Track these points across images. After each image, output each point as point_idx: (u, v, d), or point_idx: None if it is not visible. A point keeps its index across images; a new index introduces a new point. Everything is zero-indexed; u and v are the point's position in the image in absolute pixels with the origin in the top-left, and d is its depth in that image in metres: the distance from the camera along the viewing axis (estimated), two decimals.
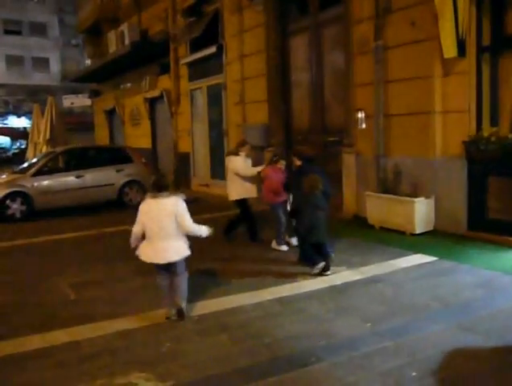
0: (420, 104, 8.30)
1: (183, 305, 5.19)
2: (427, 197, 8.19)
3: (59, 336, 4.87)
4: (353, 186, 9.69)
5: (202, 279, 6.32)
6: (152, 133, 18.71)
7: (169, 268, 5.17)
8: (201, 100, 15.00)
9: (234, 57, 12.90)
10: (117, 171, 13.00)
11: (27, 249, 8.97)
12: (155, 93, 17.51)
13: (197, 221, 5.24)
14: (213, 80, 14.17)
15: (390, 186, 8.85)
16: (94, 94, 23.91)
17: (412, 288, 5.80)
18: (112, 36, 19.41)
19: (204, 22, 13.68)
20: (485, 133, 7.44)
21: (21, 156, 21.78)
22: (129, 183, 12.98)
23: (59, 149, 13.61)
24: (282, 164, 7.91)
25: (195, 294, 5.63)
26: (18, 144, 38.46)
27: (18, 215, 12.01)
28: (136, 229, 5.25)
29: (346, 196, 9.82)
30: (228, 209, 9.65)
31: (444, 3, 7.58)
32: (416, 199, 8.12)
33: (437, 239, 7.84)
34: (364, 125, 9.37)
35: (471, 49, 7.69)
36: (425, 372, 3.81)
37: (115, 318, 5.23)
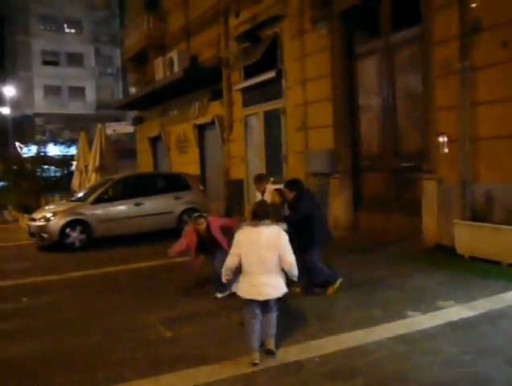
0: None
1: (273, 344, 4.77)
2: None
3: (172, 381, 4.46)
4: (433, 213, 9.19)
5: (301, 314, 5.89)
6: (201, 160, 18.46)
7: (264, 305, 4.79)
8: (257, 125, 14.72)
9: (295, 82, 12.62)
10: (176, 199, 12.74)
11: (98, 280, 8.67)
12: (205, 120, 17.32)
13: None
14: (271, 106, 13.89)
15: (479, 213, 8.35)
16: (137, 121, 23.87)
17: None
18: (159, 63, 19.36)
19: (262, 48, 13.45)
20: None
21: (59, 184, 21.73)
22: (187, 211, 12.65)
23: (117, 176, 13.41)
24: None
25: (297, 332, 5.21)
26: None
27: (77, 243, 11.80)
28: (231, 261, 4.90)
29: (426, 224, 9.32)
30: None
31: None
32: None
33: None
34: (446, 150, 8.92)
35: None
36: None
37: (226, 359, 4.79)
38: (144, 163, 23.43)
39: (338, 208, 11.36)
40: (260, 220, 4.83)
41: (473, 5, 8.31)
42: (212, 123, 16.86)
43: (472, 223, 8.29)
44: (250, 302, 4.80)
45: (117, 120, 33.60)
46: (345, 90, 11.36)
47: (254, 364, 4.55)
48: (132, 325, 6.09)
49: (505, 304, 6.01)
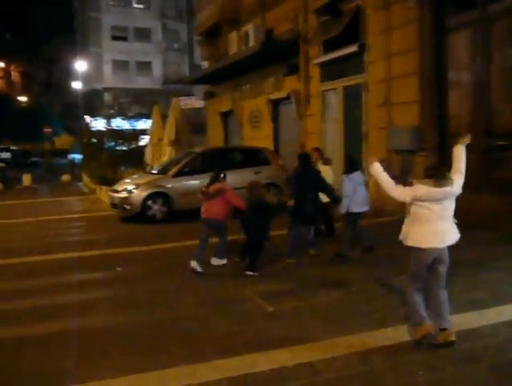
0: None
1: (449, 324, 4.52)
2: None
3: (285, 358, 4.44)
4: None
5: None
6: (274, 135, 18.38)
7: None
8: (335, 101, 14.47)
9: (379, 56, 12.27)
10: (256, 173, 12.74)
11: (186, 252, 8.79)
12: (281, 94, 17.18)
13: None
14: (351, 81, 13.60)
15: None
16: (208, 96, 23.99)
17: None
18: (233, 37, 19.31)
19: (344, 21, 13.14)
20: None
21: (130, 157, 22.19)
22: (267, 186, 12.61)
23: (198, 149, 13.56)
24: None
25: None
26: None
27: (158, 215, 12.03)
28: None
29: None
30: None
31: None
32: None
33: None
34: None
35: None
36: None
37: (337, 335, 4.76)
38: (215, 138, 23.58)
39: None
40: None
41: None
42: (288, 98, 16.70)
43: None
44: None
45: (183, 95, 33.95)
46: (434, 65, 10.93)
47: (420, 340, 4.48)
48: (230, 297, 6.15)
49: None
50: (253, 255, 7.18)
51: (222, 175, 7.94)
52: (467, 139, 4.86)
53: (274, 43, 16.52)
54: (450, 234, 4.55)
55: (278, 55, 16.57)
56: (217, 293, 6.43)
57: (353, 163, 7.84)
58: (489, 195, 9.80)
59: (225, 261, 7.73)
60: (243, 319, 5.37)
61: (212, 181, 7.67)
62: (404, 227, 4.64)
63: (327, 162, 9.94)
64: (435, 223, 4.47)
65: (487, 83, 9.94)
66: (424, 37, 10.95)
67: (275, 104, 18.17)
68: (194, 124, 28.54)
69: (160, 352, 4.67)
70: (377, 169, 4.88)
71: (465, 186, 10.03)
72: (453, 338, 4.43)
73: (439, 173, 4.50)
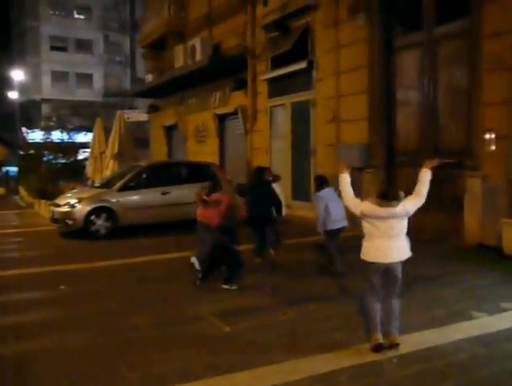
0: None
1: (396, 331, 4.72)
2: None
3: (247, 382, 4.22)
4: (477, 212, 8.98)
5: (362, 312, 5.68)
6: (220, 151, 18.22)
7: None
8: (284, 117, 14.47)
9: (328, 73, 12.37)
10: (203, 189, 12.44)
11: (132, 270, 8.44)
12: (227, 109, 17.08)
13: None
14: (300, 97, 13.65)
15: None
16: (152, 109, 23.61)
17: None
18: (179, 51, 19.10)
19: (293, 37, 13.21)
20: None
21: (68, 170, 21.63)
22: None
23: (144, 163, 13.19)
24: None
25: (365, 331, 5.00)
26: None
27: (102, 231, 11.58)
28: None
29: (468, 223, 9.11)
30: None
31: None
32: None
33: None
34: (493, 147, 8.70)
35: None
36: None
37: (298, 356, 4.57)
38: (158, 152, 23.18)
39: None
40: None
41: None
42: (235, 113, 16.62)
43: None
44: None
45: (126, 108, 33.30)
46: (383, 83, 11.11)
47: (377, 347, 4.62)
48: (186, 317, 5.87)
49: None
50: (231, 268, 7.14)
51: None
52: (433, 163, 5.08)
53: (222, 57, 16.43)
54: (396, 251, 4.68)
55: (226, 69, 16.50)
56: (170, 312, 6.13)
57: (321, 181, 7.75)
58: (435, 211, 9.95)
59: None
60: (199, 341, 5.11)
61: (211, 191, 7.91)
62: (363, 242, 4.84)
63: (275, 179, 9.87)
64: (379, 239, 4.67)
65: (434, 102, 10.16)
66: (373, 56, 11.12)
67: (222, 119, 18.04)
68: (136, 138, 28.02)
69: (114, 378, 4.35)
70: (344, 179, 4.97)
71: None
72: (398, 341, 4.64)
73: (388, 193, 4.66)
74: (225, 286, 7.01)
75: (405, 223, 4.75)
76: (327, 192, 7.54)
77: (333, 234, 7.54)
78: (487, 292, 6.47)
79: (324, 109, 12.53)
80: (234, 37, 16.48)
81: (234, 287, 6.99)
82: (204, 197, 7.93)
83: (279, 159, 14.57)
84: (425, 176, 4.93)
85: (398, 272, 4.72)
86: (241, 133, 16.50)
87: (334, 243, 7.62)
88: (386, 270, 4.69)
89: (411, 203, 4.75)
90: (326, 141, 12.53)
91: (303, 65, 13.06)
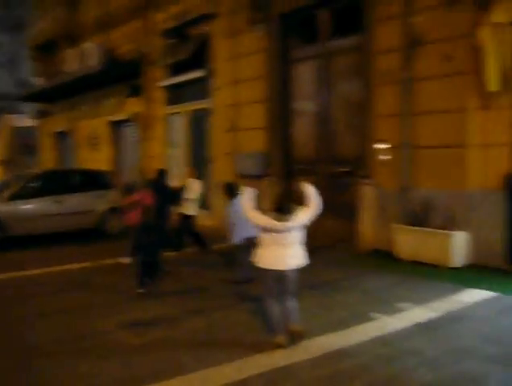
0: (454, 137, 8.24)
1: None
2: (464, 230, 8.09)
3: None
4: (370, 218, 9.45)
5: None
6: (115, 158, 17.71)
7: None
8: (181, 125, 14.39)
9: (226, 82, 12.48)
10: (98, 197, 12.08)
11: (36, 282, 7.97)
12: (122, 116, 16.66)
13: None
14: (198, 105, 13.65)
15: (417, 218, 8.68)
16: (41, 115, 22.47)
17: (507, 324, 5.57)
18: (71, 54, 18.37)
19: (191, 45, 13.20)
20: None
21: None
22: (109, 210, 12.05)
23: (36, 171, 12.51)
24: None
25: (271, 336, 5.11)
26: None
27: None
28: None
29: (362, 229, 9.56)
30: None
31: (488, 38, 7.63)
32: (453, 232, 8.01)
33: (480, 273, 7.73)
34: (385, 157, 9.21)
35: (511, 84, 7.75)
36: None
37: (210, 365, 4.55)
38: (48, 159, 22.08)
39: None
40: None
41: (416, 20, 8.65)
42: (129, 120, 16.25)
43: (411, 227, 8.61)
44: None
45: (10, 112, 31.44)
46: (280, 93, 11.41)
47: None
48: (89, 331, 5.63)
49: (461, 306, 6.25)
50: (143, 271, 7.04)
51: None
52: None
53: (116, 62, 16.07)
54: (291, 259, 4.94)
55: (121, 75, 16.09)
56: (72, 325, 5.85)
57: (231, 188, 7.72)
58: (332, 218, 10.33)
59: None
60: (107, 354, 4.92)
61: (128, 193, 8.27)
62: (257, 250, 5.07)
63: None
64: (276, 248, 4.90)
65: (329, 113, 10.58)
66: (271, 66, 11.39)
67: (116, 126, 17.57)
68: (25, 144, 26.58)
69: None
70: (248, 193, 5.30)
71: None
72: (301, 328, 5.00)
73: (283, 208, 4.92)
74: (139, 290, 6.93)
75: (301, 233, 5.03)
76: (239, 200, 7.53)
77: (245, 242, 7.54)
78: (384, 294, 6.82)
79: (222, 118, 12.62)
80: (130, 42, 16.15)
81: (140, 290, 6.89)
82: (128, 200, 8.20)
83: (178, 168, 14.43)
84: (309, 190, 5.12)
85: (294, 276, 5.00)
86: (136, 141, 16.16)
87: (244, 250, 7.65)
88: (283, 276, 4.94)
89: (306, 215, 5.00)
90: (224, 149, 12.61)
91: (201, 73, 13.09)
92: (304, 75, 11.13)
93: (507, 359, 4.61)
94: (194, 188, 9.78)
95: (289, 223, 4.88)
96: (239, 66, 12.13)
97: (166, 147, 14.98)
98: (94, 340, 5.32)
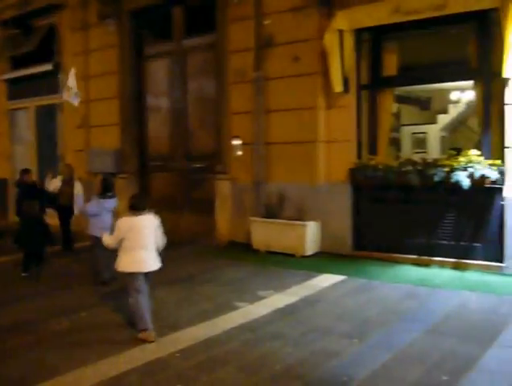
0: (303, 134, 8.82)
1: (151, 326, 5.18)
2: (315, 220, 8.70)
3: None
4: (227, 212, 9.78)
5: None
6: None
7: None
8: (27, 121, 13.61)
9: (76, 77, 12.00)
10: None
11: None
12: None
13: None
14: (46, 100, 13.01)
15: (272, 211, 9.16)
16: None
17: (354, 303, 6.16)
18: None
19: (37, 37, 12.55)
20: (370, 162, 8.27)
21: None
22: None
23: None
24: None
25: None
26: None
27: None
28: None
29: (220, 223, 9.86)
30: None
31: (332, 44, 8.29)
32: (306, 223, 8.58)
33: (331, 259, 8.39)
34: (240, 152, 9.58)
35: (353, 86, 8.50)
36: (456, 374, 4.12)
37: (83, 364, 4.48)
38: None
39: (124, 209, 11.22)
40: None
41: (266, 22, 9.11)
42: None
43: (266, 219, 9.07)
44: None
45: None
46: (134, 90, 11.31)
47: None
48: None
49: (315, 290, 6.78)
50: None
51: None
52: None
53: None
54: (151, 261, 5.23)
55: None
56: None
57: (106, 188, 7.45)
58: (189, 213, 10.54)
59: None
60: None
61: None
62: (118, 257, 5.25)
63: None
64: (135, 251, 5.14)
65: (185, 110, 10.72)
66: (124, 62, 11.25)
67: None
68: None
69: None
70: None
71: (170, 207, 10.58)
72: (153, 339, 5.00)
73: (138, 206, 5.26)
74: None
75: (156, 234, 5.30)
76: (108, 202, 7.37)
77: (94, 241, 7.38)
78: (245, 284, 7.14)
79: (73, 114, 12.13)
80: None
81: (24, 274, 7.55)
82: None
83: (25, 165, 13.61)
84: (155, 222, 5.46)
85: (152, 275, 5.35)
86: None
87: (103, 249, 7.50)
88: (145, 276, 5.24)
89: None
90: (75, 146, 12.18)
91: (48, 67, 12.50)
92: (159, 72, 11.15)
93: (359, 334, 5.13)
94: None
95: (144, 219, 5.21)
96: (90, 61, 11.79)
97: (11, 144, 14.08)
98: None
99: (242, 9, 9.35)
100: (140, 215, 5.20)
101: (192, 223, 10.42)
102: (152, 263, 5.22)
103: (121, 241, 5.20)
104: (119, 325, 5.53)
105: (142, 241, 5.15)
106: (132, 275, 5.17)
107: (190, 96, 10.67)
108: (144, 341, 4.94)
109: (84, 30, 11.81)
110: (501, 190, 7.23)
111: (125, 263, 5.18)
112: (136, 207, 5.23)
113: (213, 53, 10.04)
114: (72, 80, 10.43)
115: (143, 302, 5.14)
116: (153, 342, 4.93)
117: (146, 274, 5.25)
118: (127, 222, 5.21)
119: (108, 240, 5.44)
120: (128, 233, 5.14)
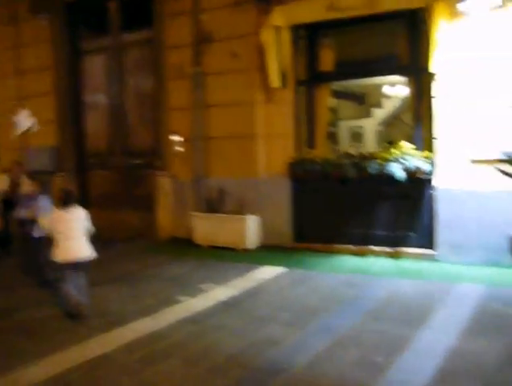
0: (242, 128, 8.93)
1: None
2: (255, 214, 8.82)
3: None
4: (168, 208, 9.77)
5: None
6: None
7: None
8: None
9: (8, 73, 11.70)
10: None
11: None
12: None
13: None
14: None
15: (213, 206, 9.21)
16: None
17: (295, 293, 6.32)
18: None
19: None
20: (308, 155, 8.46)
21: None
22: None
23: None
24: None
25: (82, 326, 5.22)
26: None
27: None
28: None
29: (161, 219, 9.83)
30: None
31: (269, 40, 8.42)
32: (247, 217, 8.69)
33: (272, 252, 8.53)
34: (180, 148, 9.58)
35: (290, 81, 8.66)
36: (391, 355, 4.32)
37: (26, 365, 4.42)
38: None
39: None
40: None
41: (204, 17, 9.15)
42: None
43: (207, 214, 9.12)
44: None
45: None
46: (70, 86, 11.09)
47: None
48: None
49: (256, 282, 6.89)
50: None
51: None
52: None
53: None
54: (82, 250, 5.56)
55: None
56: None
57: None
58: (130, 210, 10.45)
59: None
60: None
61: None
62: (52, 248, 5.56)
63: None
64: (66, 241, 5.47)
65: (123, 106, 10.62)
66: (58, 57, 11.01)
67: None
68: None
69: None
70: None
71: (110, 204, 10.46)
72: (87, 312, 5.50)
73: (66, 199, 5.62)
74: None
75: (85, 224, 5.67)
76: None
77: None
78: (187, 278, 7.18)
79: (6, 111, 11.77)
80: None
81: None
82: None
83: None
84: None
85: (87, 263, 5.60)
86: None
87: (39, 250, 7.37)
88: (76, 265, 5.53)
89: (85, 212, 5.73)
90: (11, 145, 11.79)
91: None
92: (96, 67, 10.98)
93: (298, 322, 5.28)
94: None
95: (73, 212, 5.58)
96: (23, 56, 11.47)
97: None
98: None
99: (180, 4, 9.36)
100: (68, 208, 5.56)
101: (134, 220, 10.33)
102: (84, 251, 5.54)
103: (53, 233, 5.54)
104: (62, 323, 5.46)
105: (70, 232, 5.49)
106: (64, 265, 5.47)
107: (128, 92, 10.57)
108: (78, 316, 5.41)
109: (15, 24, 11.47)
110: (431, 180, 7.57)
111: (57, 253, 5.48)
112: (64, 201, 5.58)
113: (151, 48, 9.99)
114: (23, 122, 10.29)
115: (74, 290, 5.50)
116: (80, 312, 5.45)
117: (81, 264, 5.52)
118: (57, 214, 5.62)
119: (44, 221, 5.88)
120: (57, 224, 5.50)
